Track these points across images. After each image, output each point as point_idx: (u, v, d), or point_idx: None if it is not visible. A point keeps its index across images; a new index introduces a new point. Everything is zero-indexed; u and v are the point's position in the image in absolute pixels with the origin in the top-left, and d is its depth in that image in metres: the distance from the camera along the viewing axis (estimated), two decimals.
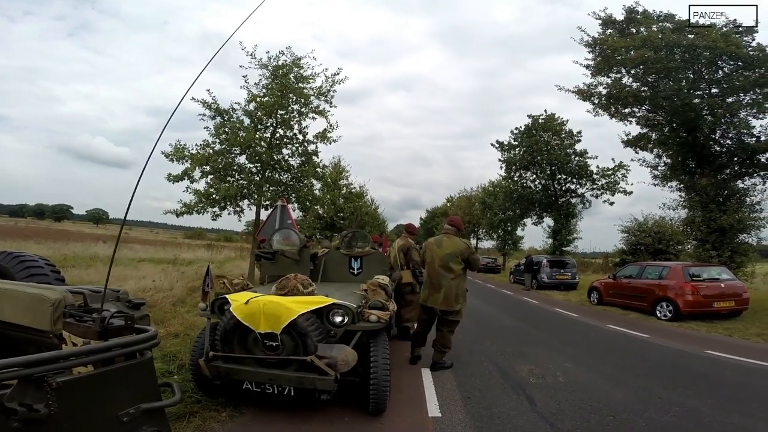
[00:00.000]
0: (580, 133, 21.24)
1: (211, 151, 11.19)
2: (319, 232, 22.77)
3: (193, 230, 58.29)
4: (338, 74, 12.16)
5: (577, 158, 20.91)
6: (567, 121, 21.50)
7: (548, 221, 22.51)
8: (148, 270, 11.98)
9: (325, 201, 14.02)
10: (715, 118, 12.54)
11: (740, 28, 12.02)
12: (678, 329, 8.15)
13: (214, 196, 10.87)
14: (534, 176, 22.50)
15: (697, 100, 12.57)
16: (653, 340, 6.98)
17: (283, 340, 3.05)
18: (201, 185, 11.12)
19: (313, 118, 12.29)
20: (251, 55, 11.73)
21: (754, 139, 12.44)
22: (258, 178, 11.47)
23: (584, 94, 14.82)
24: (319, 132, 12.31)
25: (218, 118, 11.61)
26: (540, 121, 21.68)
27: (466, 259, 4.77)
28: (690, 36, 12.11)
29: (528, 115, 22.17)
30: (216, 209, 11.19)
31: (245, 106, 11.75)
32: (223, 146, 11.28)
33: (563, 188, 21.64)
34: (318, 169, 12.51)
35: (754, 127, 12.48)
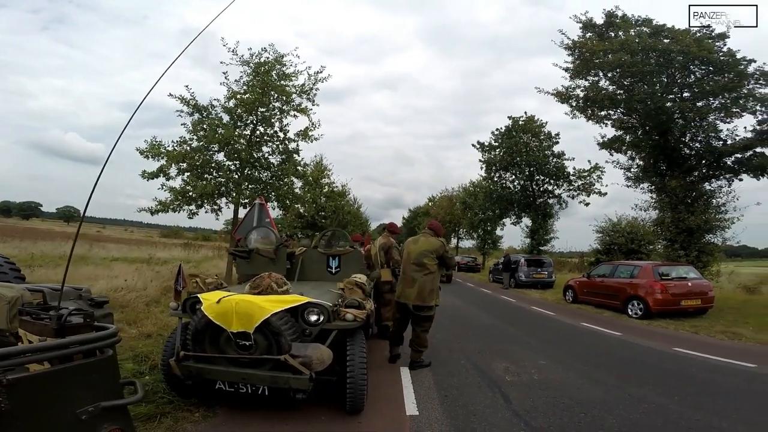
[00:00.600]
0: (558, 135, 21.79)
1: (188, 148, 10.94)
2: (301, 231, 22.57)
3: (170, 229, 57.01)
4: (321, 72, 12.09)
5: (554, 160, 21.42)
6: (546, 123, 22.03)
7: (526, 221, 22.99)
8: (120, 269, 11.64)
9: (306, 200, 13.91)
10: (685, 122, 13.01)
11: (713, 34, 12.44)
12: (648, 327, 8.42)
13: (190, 193, 10.63)
14: (513, 177, 22.93)
15: (669, 104, 12.95)
16: (624, 338, 7.19)
17: (256, 339, 3.03)
18: (177, 183, 10.87)
19: (295, 116, 12.19)
20: (233, 51, 11.55)
21: (721, 142, 12.95)
22: (237, 176, 11.29)
23: (563, 96, 15.14)
24: (301, 130, 12.21)
25: (196, 115, 11.38)
26: (520, 122, 22.10)
27: (441, 257, 4.84)
28: (665, 40, 12.47)
29: (509, 117, 22.61)
30: (192, 207, 10.95)
31: (225, 102, 11.56)
32: (201, 143, 11.05)
33: (541, 189, 22.13)
34: (299, 168, 12.39)
35: (721, 130, 13.01)
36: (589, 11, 14.20)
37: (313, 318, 3.27)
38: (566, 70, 14.75)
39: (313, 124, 12.20)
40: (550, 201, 22.06)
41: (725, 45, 12.30)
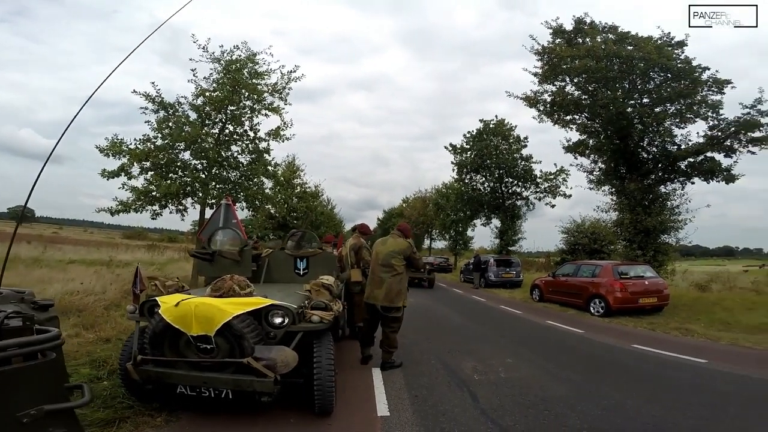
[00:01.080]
0: (526, 138, 22.46)
1: (152, 147, 10.54)
2: (272, 233, 22.18)
3: (134, 230, 54.53)
4: (295, 71, 11.95)
5: (522, 162, 22.05)
6: (515, 126, 22.65)
7: (496, 222, 23.56)
8: (78, 272, 11.08)
9: (277, 200, 13.70)
10: (644, 127, 13.62)
11: (672, 42, 13.09)
12: (609, 324, 8.77)
13: (154, 193, 10.23)
14: (483, 179, 23.42)
15: (630, 109, 13.52)
16: (587, 336, 7.48)
17: (218, 342, 2.99)
18: (140, 182, 10.44)
19: (266, 115, 11.98)
20: (203, 48, 11.26)
21: (676, 147, 13.67)
22: (204, 176, 10.97)
23: (531, 100, 15.53)
24: (272, 129, 12.02)
25: (162, 112, 10.99)
26: (491, 126, 22.61)
27: (408, 258, 4.89)
28: (629, 47, 13.00)
29: (480, 120, 23.08)
30: (156, 207, 10.55)
31: (193, 100, 11.23)
32: (166, 141, 10.67)
33: (510, 191, 22.73)
34: (269, 168, 12.18)
35: (676, 135, 13.74)
36: (560, 18, 14.69)
37: (278, 320, 3.23)
38: (535, 75, 15.16)
39: (285, 123, 12.05)
40: (518, 203, 22.72)
41: (683, 53, 12.99)
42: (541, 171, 21.89)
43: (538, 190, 21.96)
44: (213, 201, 10.88)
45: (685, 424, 3.33)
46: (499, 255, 20.43)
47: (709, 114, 12.97)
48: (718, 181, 13.20)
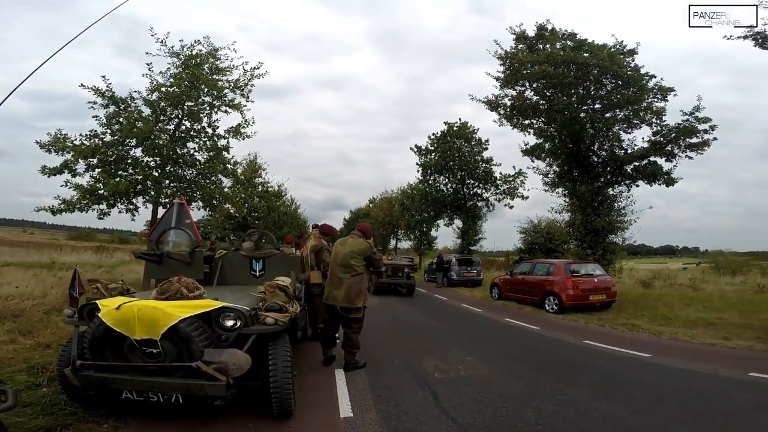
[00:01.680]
0: (487, 141, 23.08)
1: (99, 143, 9.91)
2: (233, 233, 21.47)
3: (80, 230, 50.90)
4: (259, 68, 11.67)
5: (483, 165, 22.64)
6: (477, 129, 23.22)
7: (458, 223, 24.07)
8: (14, 275, 10.16)
9: (236, 200, 13.30)
10: (595, 131, 14.31)
11: (624, 50, 13.77)
12: (562, 321, 9.17)
13: (101, 191, 9.62)
14: (446, 180, 23.84)
15: (582, 114, 14.15)
16: (542, 332, 7.78)
17: (164, 346, 2.89)
18: (85, 180, 9.79)
19: (227, 111, 11.61)
20: (161, 42, 10.74)
21: (623, 151, 14.46)
22: (157, 174, 10.45)
23: (492, 104, 15.85)
24: (232, 127, 11.67)
25: (112, 107, 10.38)
26: (454, 128, 23.04)
27: (368, 258, 4.87)
28: (585, 54, 13.56)
29: (445, 122, 23.48)
30: (103, 206, 9.94)
31: (147, 95, 10.70)
32: (116, 137, 10.08)
33: (471, 192, 23.28)
34: (228, 166, 11.80)
35: (623, 140, 14.52)
36: (524, 23, 15.10)
37: (229, 323, 3.17)
38: (497, 79, 15.46)
39: (246, 120, 11.75)
40: (479, 204, 23.31)
41: (633, 60, 13.73)
42: (500, 173, 22.61)
43: (497, 191, 22.65)
44: (166, 200, 10.41)
45: (630, 419, 3.52)
46: (461, 255, 20.89)
47: (654, 120, 13.79)
48: (660, 184, 14.09)
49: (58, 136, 9.57)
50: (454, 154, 22.43)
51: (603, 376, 4.94)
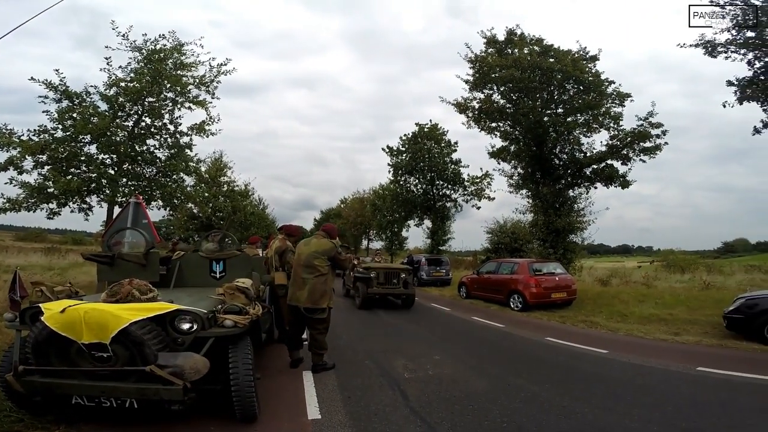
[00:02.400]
0: (456, 143, 23.43)
1: (49, 138, 9.31)
2: (196, 234, 20.73)
3: (29, 231, 47.46)
4: (226, 64, 11.33)
5: (452, 166, 23.00)
6: (447, 131, 23.54)
7: (427, 223, 24.33)
8: None
9: (199, 199, 12.84)
10: (557, 135, 14.78)
11: (587, 56, 14.30)
12: (527, 318, 9.43)
13: (50, 190, 9.03)
14: (417, 181, 24.03)
15: (546, 118, 14.56)
16: (508, 330, 7.99)
17: (115, 350, 2.80)
18: (33, 177, 9.17)
19: (190, 108, 11.20)
20: (124, 36, 10.23)
21: (582, 155, 15.05)
22: (113, 171, 9.93)
23: (461, 107, 16.04)
24: (196, 124, 11.25)
25: (65, 102, 9.79)
26: (425, 129, 23.28)
27: (333, 258, 4.83)
28: (551, 60, 13.95)
29: (416, 124, 23.63)
30: (53, 206, 9.32)
31: (105, 90, 10.14)
32: (68, 133, 9.50)
33: (440, 193, 23.58)
34: (191, 164, 11.37)
35: (583, 144, 15.08)
36: (494, 28, 15.45)
37: (185, 326, 3.09)
38: (467, 82, 15.65)
39: (211, 118, 11.38)
40: (448, 204, 23.65)
41: (595, 66, 14.27)
42: (468, 175, 22.99)
43: (465, 192, 23.03)
44: (123, 199, 9.92)
45: (589, 414, 3.66)
46: (431, 255, 21.15)
47: (611, 125, 14.40)
48: (616, 186, 14.73)
49: (3, 131, 8.92)
50: (424, 156, 22.66)
51: (564, 372, 5.11)
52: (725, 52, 10.57)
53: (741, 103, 10.83)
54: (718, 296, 10.52)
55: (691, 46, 10.99)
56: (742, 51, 10.37)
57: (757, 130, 11.02)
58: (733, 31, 10.29)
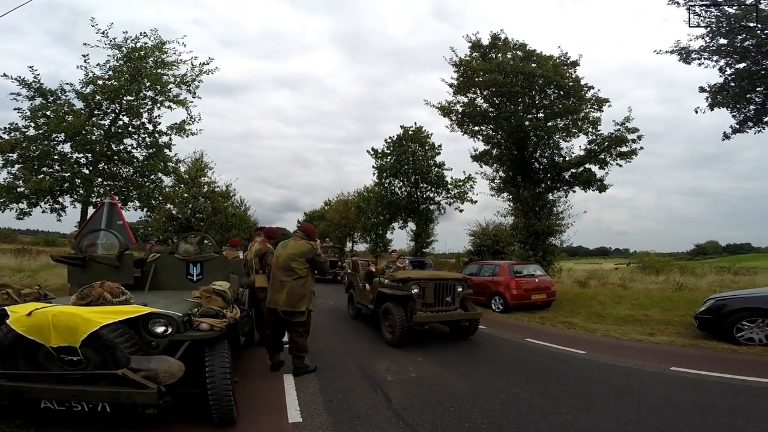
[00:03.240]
0: (440, 146, 23.62)
1: (20, 137, 8.99)
2: (176, 235, 20.24)
3: None
4: (208, 63, 11.15)
5: (436, 169, 23.17)
6: (431, 134, 23.71)
7: (411, 225, 24.41)
8: None
9: (178, 200, 12.58)
10: (537, 139, 15.06)
11: (568, 61, 14.60)
12: (507, 320, 9.55)
13: (21, 189, 8.70)
14: (401, 184, 24.11)
15: (527, 123, 14.83)
16: (489, 331, 8.06)
17: (86, 353, 2.76)
18: (2, 176, 8.84)
19: (170, 107, 10.97)
20: (103, 33, 9.97)
21: (562, 159, 15.40)
22: (87, 171, 9.64)
23: (445, 110, 16.21)
24: (176, 123, 11.03)
25: (39, 99, 9.48)
26: (410, 132, 23.40)
27: (311, 261, 4.79)
28: (533, 65, 14.21)
29: (401, 126, 23.72)
30: (23, 205, 8.99)
31: (81, 88, 9.86)
32: (41, 132, 9.20)
33: (424, 196, 23.72)
34: (170, 164, 11.13)
35: (562, 148, 15.45)
36: (479, 32, 15.63)
37: (159, 329, 3.06)
38: (451, 85, 15.83)
39: (191, 117, 11.17)
40: (431, 207, 23.81)
41: (575, 72, 14.60)
42: (451, 178, 23.19)
43: (448, 195, 23.24)
44: (98, 199, 9.65)
45: (568, 414, 3.72)
46: (414, 257, 21.20)
47: (590, 129, 14.77)
48: (594, 190, 15.12)
49: None
50: (408, 158, 22.77)
51: (543, 373, 5.18)
52: (699, 59, 10.86)
53: (712, 109, 11.16)
54: (690, 297, 10.79)
55: (666, 52, 11.29)
56: (715, 58, 10.69)
57: (726, 136, 11.42)
58: (707, 38, 10.58)
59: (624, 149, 14.27)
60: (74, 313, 2.79)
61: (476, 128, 16.28)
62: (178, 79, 10.99)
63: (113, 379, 2.78)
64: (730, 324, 6.61)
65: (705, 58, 10.79)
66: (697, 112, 11.43)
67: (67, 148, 9.71)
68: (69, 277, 4.36)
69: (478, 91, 15.46)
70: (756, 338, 6.40)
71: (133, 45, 10.48)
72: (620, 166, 14.67)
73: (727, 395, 4.22)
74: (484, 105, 15.71)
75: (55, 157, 9.44)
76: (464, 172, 24.13)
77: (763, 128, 10.83)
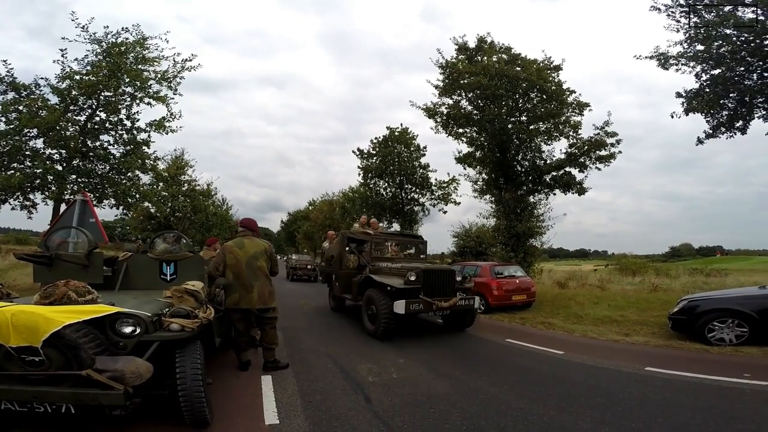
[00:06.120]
0: (425, 147, 23.76)
1: None
2: (154, 234, 19.71)
3: None
4: (191, 60, 10.94)
5: (421, 170, 23.29)
6: (417, 135, 23.84)
7: (396, 226, 24.44)
8: None
9: (155, 198, 12.29)
10: (519, 142, 15.32)
11: (551, 65, 14.87)
12: (489, 321, 9.61)
13: None
14: (386, 184, 24.14)
15: (510, 126, 15.03)
16: (471, 332, 8.09)
17: (48, 354, 2.67)
18: None
19: (150, 104, 10.72)
20: (83, 27, 9.68)
21: (543, 162, 15.68)
22: (61, 167, 9.34)
23: (430, 112, 16.31)
24: (155, 120, 10.77)
25: (11, 94, 9.16)
26: (396, 133, 23.44)
27: (270, 257, 4.95)
28: (517, 68, 14.39)
29: (387, 127, 23.75)
30: None
31: (57, 82, 9.56)
32: (12, 126, 8.88)
33: (408, 197, 23.80)
34: (147, 161, 10.86)
35: (544, 151, 15.72)
36: (466, 35, 15.74)
37: (127, 329, 3.00)
38: (437, 87, 15.94)
39: (172, 114, 10.93)
40: (416, 208, 23.91)
41: (558, 76, 14.87)
42: (436, 179, 23.38)
43: (433, 197, 23.40)
44: (71, 196, 9.36)
45: (545, 415, 3.76)
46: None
47: (571, 133, 15.09)
48: (573, 193, 15.44)
49: None
50: (394, 159, 22.82)
51: (522, 373, 5.23)
52: (676, 65, 11.10)
53: (687, 114, 11.44)
54: (665, 298, 11.06)
55: (646, 58, 11.56)
56: (692, 64, 10.93)
57: (700, 141, 11.74)
58: (685, 44, 10.83)
59: (603, 153, 14.60)
60: (35, 312, 2.70)
61: (460, 130, 16.43)
62: (159, 76, 10.78)
63: (77, 380, 2.71)
64: (701, 324, 6.79)
65: (682, 64, 11.03)
66: (673, 116, 11.75)
67: (39, 143, 9.42)
68: (35, 277, 4.22)
69: (463, 94, 15.60)
70: (726, 338, 6.60)
71: (114, 40, 10.23)
72: (599, 169, 15.01)
73: (699, 395, 4.33)
74: (469, 107, 15.84)
75: (27, 152, 9.13)
76: (448, 173, 24.41)
77: (735, 134, 11.19)
